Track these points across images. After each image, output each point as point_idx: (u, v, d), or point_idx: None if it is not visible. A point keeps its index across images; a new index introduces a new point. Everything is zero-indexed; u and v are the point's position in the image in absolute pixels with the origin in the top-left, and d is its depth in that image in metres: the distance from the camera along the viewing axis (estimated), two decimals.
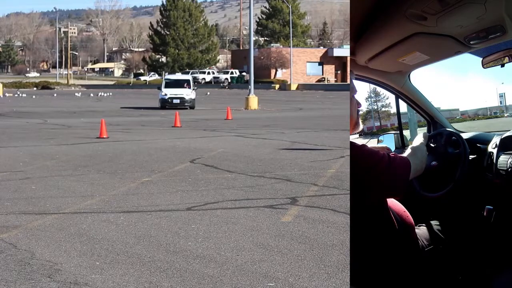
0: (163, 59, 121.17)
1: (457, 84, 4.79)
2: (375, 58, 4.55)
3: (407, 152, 4.63)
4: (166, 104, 43.52)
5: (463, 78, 4.68)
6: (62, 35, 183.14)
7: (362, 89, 4.22)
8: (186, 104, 43.57)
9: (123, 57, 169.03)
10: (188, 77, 50.59)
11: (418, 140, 4.89)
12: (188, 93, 44.07)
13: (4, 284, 6.67)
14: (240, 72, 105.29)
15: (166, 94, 43.85)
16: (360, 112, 4.25)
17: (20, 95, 71.71)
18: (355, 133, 4.54)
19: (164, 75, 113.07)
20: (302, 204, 10.74)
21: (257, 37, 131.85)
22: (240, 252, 7.86)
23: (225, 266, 7.30)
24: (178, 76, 55.05)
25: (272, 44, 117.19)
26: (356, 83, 4.49)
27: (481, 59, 4.17)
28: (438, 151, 4.85)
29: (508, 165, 4.09)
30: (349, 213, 9.39)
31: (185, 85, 45.15)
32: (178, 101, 43.47)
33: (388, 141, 5.38)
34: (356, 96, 4.09)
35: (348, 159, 15.39)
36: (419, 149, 4.76)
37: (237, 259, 7.57)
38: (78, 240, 8.48)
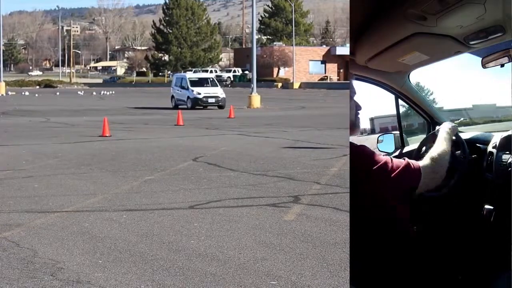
0: (166, 57, 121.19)
1: (456, 84, 4.80)
2: (375, 58, 4.57)
3: (425, 161, 4.21)
4: (199, 103, 41.08)
5: (463, 78, 4.70)
6: (65, 33, 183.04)
7: (363, 89, 4.23)
8: (220, 103, 41.34)
9: (126, 55, 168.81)
10: (211, 75, 48.17)
11: (442, 145, 4.34)
12: (221, 92, 42.12)
13: (7, 282, 6.70)
14: (243, 70, 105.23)
15: (199, 93, 41.32)
16: (360, 115, 4.22)
17: (23, 93, 71.74)
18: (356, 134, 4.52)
19: (168, 74, 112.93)
20: (305, 202, 10.76)
21: (259, 36, 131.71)
22: (243, 250, 7.88)
23: (228, 264, 7.32)
24: (201, 74, 53.44)
25: (274, 43, 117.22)
26: (356, 84, 4.48)
27: (481, 59, 4.19)
28: None
29: (508, 165, 4.10)
30: None
31: (208, 83, 43.25)
32: (213, 100, 41.32)
33: (388, 141, 5.39)
34: (356, 98, 4.07)
35: None
36: (442, 158, 4.23)
37: (239, 257, 7.59)
38: (80, 238, 8.50)
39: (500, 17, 3.74)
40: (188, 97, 41.95)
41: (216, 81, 44.84)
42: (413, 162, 4.10)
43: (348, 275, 6.87)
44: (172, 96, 44.47)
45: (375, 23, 4.19)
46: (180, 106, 41.36)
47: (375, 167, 3.91)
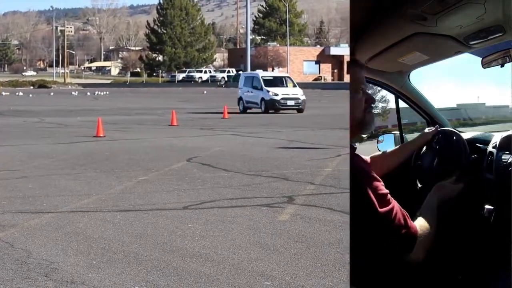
0: (160, 58, 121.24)
1: (456, 85, 4.81)
2: (375, 58, 4.56)
3: (423, 211, 3.91)
4: (276, 106, 36.43)
5: (462, 78, 4.70)
6: (59, 33, 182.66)
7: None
8: (300, 106, 36.43)
9: (120, 55, 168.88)
10: (285, 73, 41.94)
11: (429, 214, 3.98)
12: (301, 93, 37.08)
13: (1, 283, 6.66)
14: (237, 70, 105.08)
15: (276, 94, 36.41)
16: (374, 109, 3.96)
17: (17, 93, 71.61)
18: (359, 136, 4.46)
19: (162, 74, 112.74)
20: (299, 202, 10.73)
21: (254, 36, 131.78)
22: (237, 250, 7.85)
23: (222, 265, 7.29)
24: (275, 72, 47.77)
25: (269, 43, 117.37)
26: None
27: (481, 59, 4.19)
28: (438, 151, 4.84)
29: (508, 165, 4.09)
30: (345, 212, 9.41)
31: (284, 83, 38.48)
32: (292, 102, 36.32)
33: (388, 141, 5.38)
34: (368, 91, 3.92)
35: (344, 157, 15.39)
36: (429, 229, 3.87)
37: (233, 257, 7.57)
38: (74, 239, 8.47)
39: (500, 17, 3.73)
40: (262, 99, 37.02)
41: (294, 81, 39.69)
42: (411, 226, 3.77)
43: (342, 275, 6.85)
44: (240, 98, 39.23)
45: (375, 23, 4.18)
46: (250, 110, 37.28)
47: (380, 211, 3.68)
